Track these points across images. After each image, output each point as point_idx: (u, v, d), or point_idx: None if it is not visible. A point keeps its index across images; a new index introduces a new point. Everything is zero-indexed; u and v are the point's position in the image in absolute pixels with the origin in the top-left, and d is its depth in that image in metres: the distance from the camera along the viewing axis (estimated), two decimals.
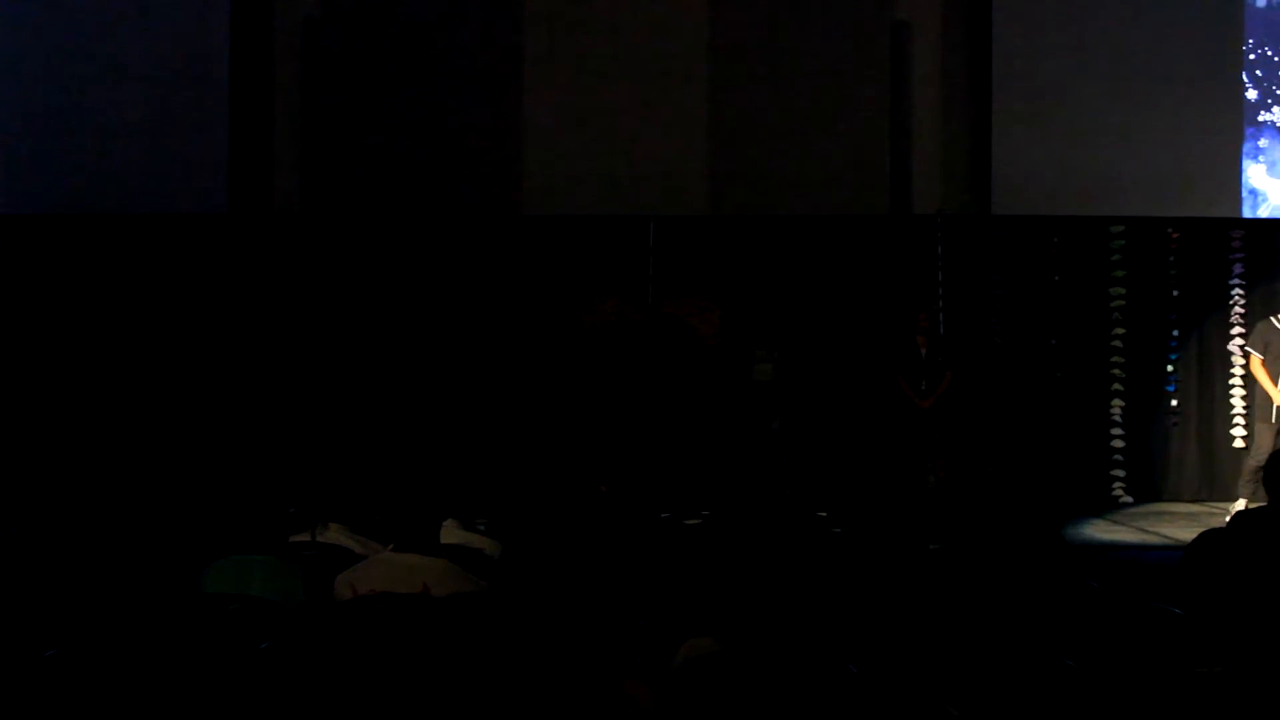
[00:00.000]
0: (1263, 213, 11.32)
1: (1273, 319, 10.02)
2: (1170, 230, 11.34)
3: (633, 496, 10.58)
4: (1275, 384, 9.75)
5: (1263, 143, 11.25)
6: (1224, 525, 6.04)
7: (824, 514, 10.21)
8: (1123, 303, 11.29)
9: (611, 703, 3.85)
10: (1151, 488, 11.28)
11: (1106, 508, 10.97)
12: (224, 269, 10.96)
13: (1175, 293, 11.31)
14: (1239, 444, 11.19)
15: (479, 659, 4.04)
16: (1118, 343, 11.29)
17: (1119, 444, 11.25)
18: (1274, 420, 9.79)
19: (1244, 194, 11.28)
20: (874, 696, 4.32)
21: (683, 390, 11.03)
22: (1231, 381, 11.28)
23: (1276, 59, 11.27)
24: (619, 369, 11.02)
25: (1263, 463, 6.56)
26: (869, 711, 4.25)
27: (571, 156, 11.29)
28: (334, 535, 6.55)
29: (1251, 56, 11.26)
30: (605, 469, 10.73)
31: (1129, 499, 11.18)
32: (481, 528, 7.45)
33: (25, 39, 11.01)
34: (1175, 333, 11.33)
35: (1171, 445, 11.37)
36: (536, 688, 3.84)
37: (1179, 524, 10.10)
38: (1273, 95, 11.28)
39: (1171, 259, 11.33)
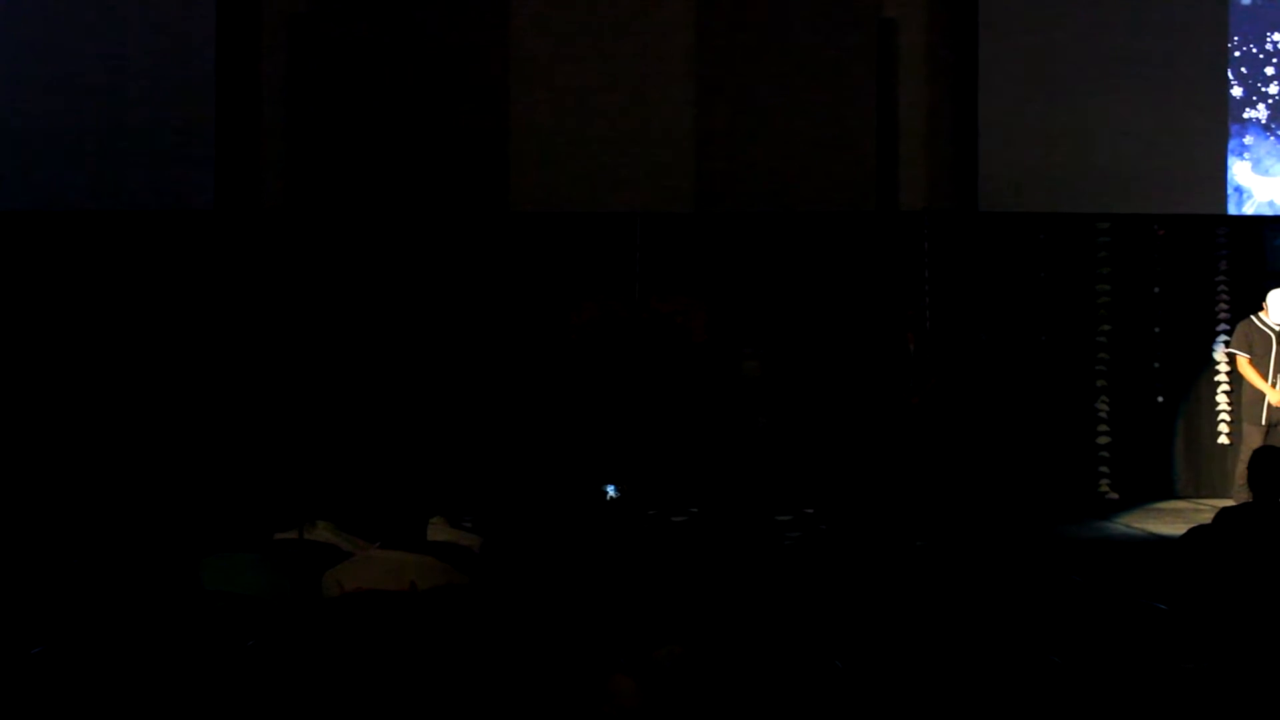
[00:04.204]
0: (1248, 210, 11.36)
1: (1253, 318, 10.04)
2: (1156, 227, 11.36)
3: (625, 495, 10.58)
4: (1266, 381, 9.76)
5: (1248, 140, 11.29)
6: (1210, 522, 6.06)
7: (810, 510, 10.23)
8: (1108, 299, 11.31)
9: (596, 697, 3.85)
10: (1138, 484, 11.29)
11: (1093, 504, 11.00)
12: (211, 266, 10.93)
13: (1158, 290, 11.35)
14: (1224, 440, 11.23)
15: (464, 654, 4.05)
16: (1103, 339, 11.31)
17: (1105, 440, 11.27)
18: (1263, 421, 9.80)
19: (1229, 191, 11.32)
20: (859, 693, 4.33)
21: (669, 387, 11.04)
22: (1217, 379, 11.31)
23: (1261, 56, 11.31)
24: (605, 367, 11.02)
25: None
26: (854, 710, 4.26)
27: (559, 154, 11.29)
28: (321, 532, 6.54)
29: (1236, 54, 11.30)
30: (596, 467, 10.73)
31: (1115, 495, 11.20)
32: (469, 525, 7.45)
33: (13, 37, 10.98)
34: (1157, 329, 11.36)
35: (1157, 442, 11.39)
36: (521, 683, 3.84)
37: (1165, 520, 10.12)
38: (1257, 92, 11.31)
39: (1157, 256, 11.36)
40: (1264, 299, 10.02)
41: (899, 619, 5.71)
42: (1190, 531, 5.99)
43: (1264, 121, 11.31)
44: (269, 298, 10.91)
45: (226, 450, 10.67)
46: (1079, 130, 11.17)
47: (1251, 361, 9.87)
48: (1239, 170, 11.30)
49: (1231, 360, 10.51)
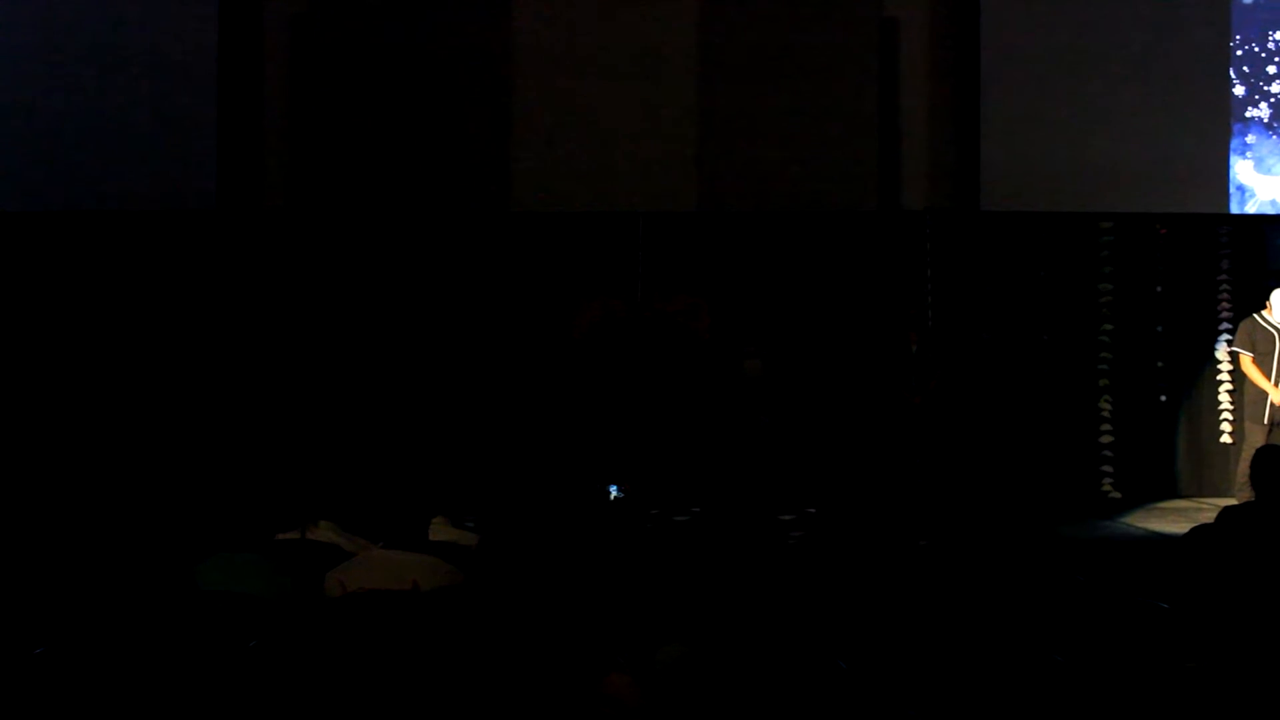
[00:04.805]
0: (1250, 209, 11.34)
1: (1256, 316, 10.02)
2: (1158, 226, 11.36)
3: (627, 494, 10.58)
4: (1269, 380, 9.74)
5: (1250, 139, 11.27)
6: (1213, 521, 6.05)
7: (813, 509, 10.22)
8: (1111, 299, 11.31)
9: (593, 697, 3.85)
10: (1140, 483, 11.29)
11: (1095, 504, 10.99)
12: (213, 266, 10.94)
13: (1161, 289, 11.34)
14: (1226, 439, 11.23)
15: (466, 654, 4.04)
16: (1106, 339, 11.31)
17: (1108, 439, 11.27)
18: (1265, 420, 9.78)
19: (1231, 190, 11.30)
20: (863, 693, 4.33)
21: (671, 386, 11.03)
22: (1219, 378, 11.30)
23: (1263, 55, 11.30)
24: (608, 366, 11.02)
25: None
26: (858, 710, 4.25)
27: (560, 153, 11.27)
28: (323, 532, 6.55)
29: (1238, 52, 11.28)
30: (601, 467, 10.73)
31: (1118, 495, 11.19)
32: (470, 525, 7.46)
33: (13, 36, 10.97)
34: (1159, 329, 11.35)
35: (1160, 441, 11.39)
36: (520, 683, 3.83)
37: (1168, 520, 10.12)
38: (1260, 91, 11.30)
39: (1159, 255, 11.36)
40: (1266, 298, 10.01)
41: (902, 619, 5.71)
42: (1193, 531, 5.99)
43: (1266, 120, 11.29)
44: (271, 298, 10.92)
45: (228, 450, 10.67)
46: (1081, 129, 11.15)
47: (1254, 360, 9.85)
48: (1241, 169, 11.29)
49: (1234, 359, 10.50)
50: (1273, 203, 11.31)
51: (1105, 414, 11.28)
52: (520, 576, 4.70)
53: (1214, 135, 11.27)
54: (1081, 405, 11.28)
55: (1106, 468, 11.27)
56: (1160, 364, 11.36)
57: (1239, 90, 11.30)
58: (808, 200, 11.30)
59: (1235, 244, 11.37)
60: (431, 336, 10.95)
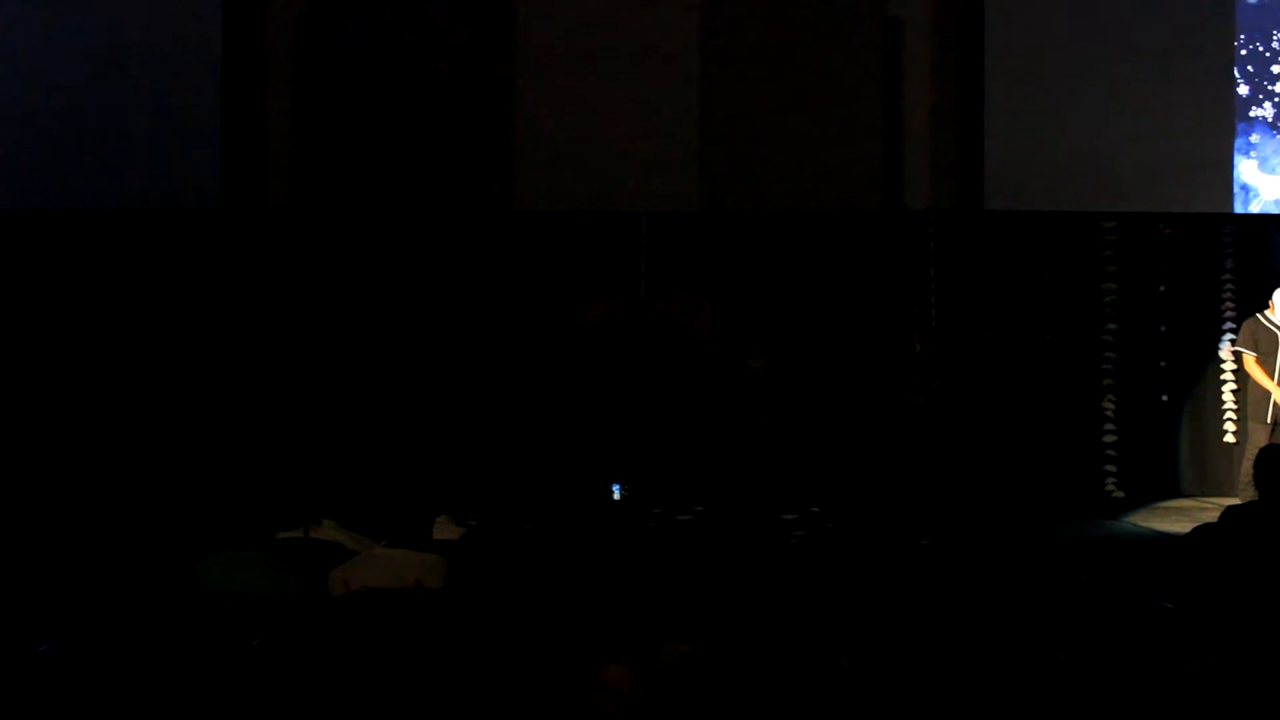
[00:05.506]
0: (1254, 208, 11.34)
1: (1259, 316, 10.01)
2: (1162, 225, 11.35)
3: (631, 493, 10.58)
4: (1272, 380, 9.73)
5: (1254, 138, 11.27)
6: (1216, 521, 6.05)
7: (816, 509, 10.22)
8: (1114, 298, 11.30)
9: (590, 689, 3.84)
10: (1143, 483, 11.28)
11: (1099, 503, 10.99)
12: (216, 265, 10.94)
13: (1164, 288, 11.33)
14: (1229, 439, 11.22)
15: (464, 651, 4.04)
16: (1109, 338, 11.30)
17: (1111, 439, 11.26)
18: (1269, 420, 9.77)
19: (1235, 189, 11.30)
20: (866, 692, 4.33)
21: (674, 386, 11.03)
22: (1223, 377, 11.29)
23: (1267, 54, 11.29)
24: (611, 365, 11.02)
25: None
26: (861, 709, 4.25)
27: (564, 152, 11.28)
28: (327, 531, 6.55)
29: (1242, 52, 11.28)
30: (605, 466, 10.72)
31: (1121, 494, 11.19)
32: (474, 524, 7.46)
33: (17, 36, 10.99)
34: (1163, 328, 11.34)
35: (1163, 441, 11.38)
36: (516, 679, 3.83)
37: (1171, 519, 10.10)
38: (1263, 90, 11.29)
39: (1163, 254, 11.35)
40: (1269, 297, 10.00)
41: (905, 618, 5.71)
42: (1196, 530, 5.98)
43: (1270, 120, 11.29)
44: (274, 296, 10.92)
45: (231, 449, 10.68)
46: (1084, 128, 11.15)
47: (1258, 360, 9.84)
48: (1245, 168, 11.29)
49: (1237, 358, 10.49)
50: (1276, 202, 11.31)
51: (1108, 413, 11.27)
52: (511, 572, 4.69)
53: (1218, 135, 11.27)
54: (1085, 404, 11.26)
55: (1110, 467, 11.26)
56: (1163, 363, 11.35)
57: (1243, 90, 11.30)
58: (811, 199, 11.31)
59: (1239, 243, 11.35)
60: (434, 335, 10.95)
